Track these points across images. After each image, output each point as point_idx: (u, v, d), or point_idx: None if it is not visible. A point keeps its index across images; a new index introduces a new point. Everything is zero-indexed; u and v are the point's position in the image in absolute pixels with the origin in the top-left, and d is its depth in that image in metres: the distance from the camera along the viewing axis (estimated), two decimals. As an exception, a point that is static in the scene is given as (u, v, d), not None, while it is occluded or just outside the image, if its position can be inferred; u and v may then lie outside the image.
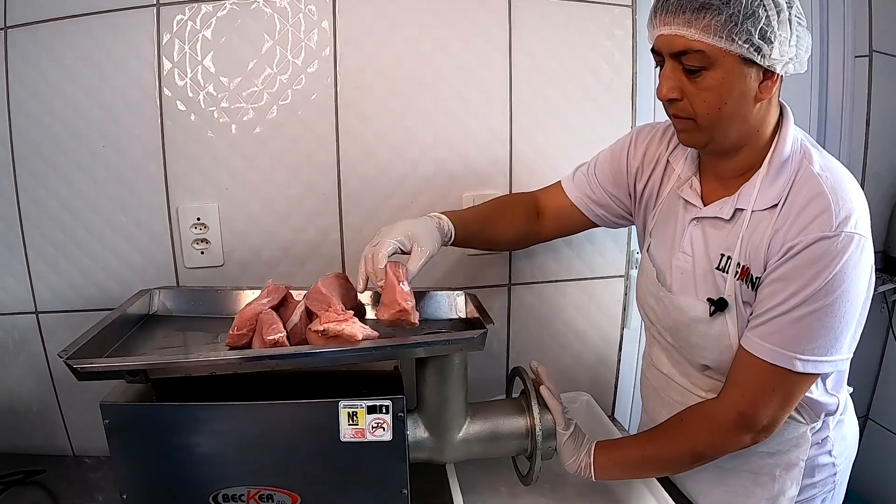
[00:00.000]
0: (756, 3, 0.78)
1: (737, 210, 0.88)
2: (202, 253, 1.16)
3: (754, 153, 0.88)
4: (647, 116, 1.30)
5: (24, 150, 1.08)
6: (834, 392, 0.93)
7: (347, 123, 1.17)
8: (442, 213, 1.02)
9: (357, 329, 0.85)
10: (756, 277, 0.86)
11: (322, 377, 0.94)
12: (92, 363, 0.81)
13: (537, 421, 0.96)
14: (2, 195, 1.09)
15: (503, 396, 1.34)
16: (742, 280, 0.87)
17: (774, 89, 0.83)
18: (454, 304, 1.06)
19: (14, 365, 1.16)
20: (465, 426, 0.97)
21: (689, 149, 0.97)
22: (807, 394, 0.89)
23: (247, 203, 1.16)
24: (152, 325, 1.02)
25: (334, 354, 0.84)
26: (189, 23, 1.09)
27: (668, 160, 1.02)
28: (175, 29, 1.08)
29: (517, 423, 0.98)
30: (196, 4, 1.08)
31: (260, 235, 1.18)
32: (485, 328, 0.89)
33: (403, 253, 0.94)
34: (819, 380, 0.90)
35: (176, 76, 1.10)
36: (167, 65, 1.09)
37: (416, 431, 0.95)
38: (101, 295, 1.14)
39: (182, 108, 1.11)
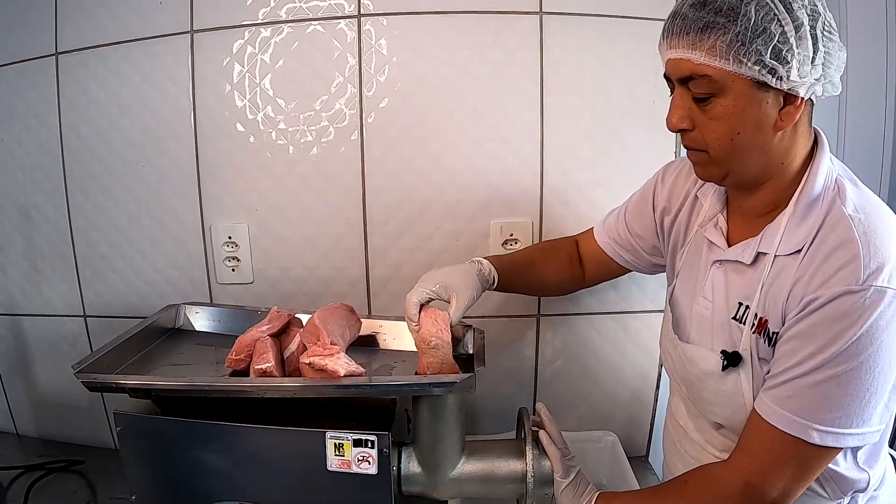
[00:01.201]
0: (768, 18, 0.69)
1: (759, 254, 0.80)
2: (233, 270, 1.21)
3: (781, 188, 0.79)
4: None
5: (76, 169, 1.18)
6: (865, 467, 0.81)
7: (372, 148, 1.17)
8: (484, 257, 1.01)
9: (340, 364, 0.85)
10: (774, 332, 0.77)
11: (316, 403, 0.94)
12: (96, 378, 0.87)
13: (531, 466, 0.91)
14: (56, 210, 1.19)
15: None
16: (759, 334, 0.78)
17: (799, 115, 0.73)
18: (464, 338, 1.03)
19: (66, 361, 1.25)
20: (459, 464, 0.94)
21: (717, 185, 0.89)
22: (831, 466, 0.78)
23: (275, 224, 1.20)
24: (176, 338, 1.08)
25: (309, 388, 0.85)
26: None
27: (696, 195, 0.93)
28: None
29: (514, 466, 0.94)
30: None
31: (288, 256, 1.21)
32: (472, 372, 0.85)
33: (441, 300, 0.93)
34: (847, 451, 0.79)
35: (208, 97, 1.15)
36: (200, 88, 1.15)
37: (410, 465, 0.93)
38: (142, 304, 1.22)
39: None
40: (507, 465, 0.94)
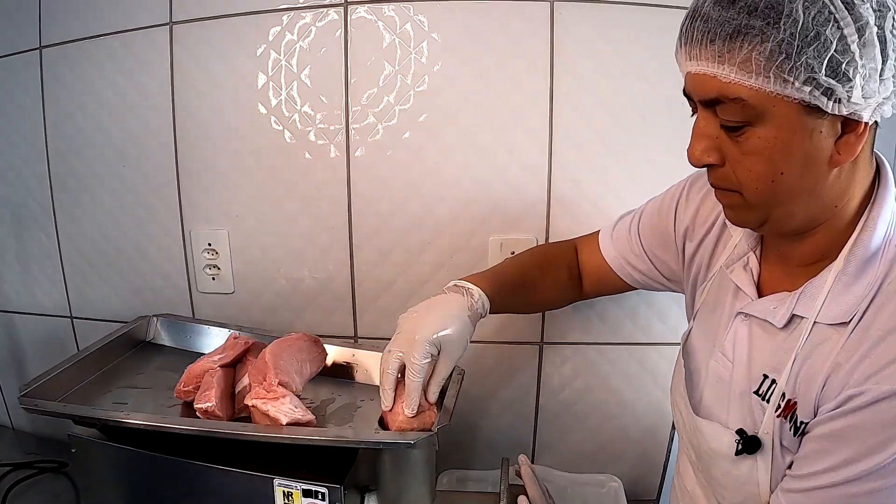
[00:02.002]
0: (822, 19, 0.51)
1: (794, 317, 0.63)
2: (213, 279, 1.15)
3: (832, 236, 0.62)
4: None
5: (61, 169, 1.14)
6: None
7: (359, 154, 1.06)
8: (472, 277, 0.84)
9: (283, 412, 0.76)
10: (802, 422, 0.61)
11: (269, 444, 0.87)
12: (37, 405, 0.82)
13: (497, 531, 0.81)
14: (43, 210, 1.16)
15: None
16: (785, 418, 0.62)
17: (862, 145, 0.56)
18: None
19: (57, 360, 1.25)
20: (427, 519, 0.85)
21: None
22: None
23: (257, 231, 1.12)
24: (143, 354, 1.03)
25: (242, 436, 0.76)
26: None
27: (725, 222, 0.76)
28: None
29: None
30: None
31: (270, 266, 1.13)
32: (431, 431, 0.74)
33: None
34: None
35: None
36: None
37: (371, 518, 0.86)
38: (127, 309, 1.18)
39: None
40: (476, 529, 0.84)
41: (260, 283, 1.14)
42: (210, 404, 0.79)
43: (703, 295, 0.79)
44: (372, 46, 1.02)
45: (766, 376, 0.65)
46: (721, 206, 0.74)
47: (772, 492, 0.64)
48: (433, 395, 0.77)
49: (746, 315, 0.68)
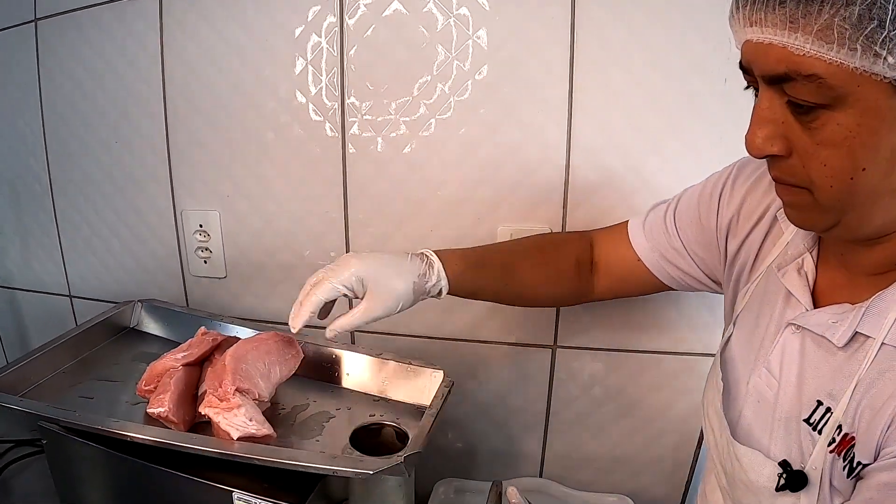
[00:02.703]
0: None
1: (858, 335, 0.51)
2: (205, 262, 1.08)
3: None
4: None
5: (56, 144, 1.09)
6: None
7: (355, 131, 0.96)
8: (447, 251, 0.74)
9: (235, 424, 0.69)
10: (860, 463, 0.50)
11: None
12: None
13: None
14: (40, 186, 1.12)
15: (536, 475, 1.10)
16: (839, 455, 0.51)
17: None
18: (427, 386, 0.83)
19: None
20: (399, 547, 0.77)
21: None
22: None
23: (248, 214, 1.04)
24: (124, 342, 0.98)
25: (176, 446, 0.69)
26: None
27: (776, 216, 0.64)
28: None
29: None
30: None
31: (262, 251, 1.06)
32: (399, 455, 0.65)
33: (356, 297, 0.70)
34: None
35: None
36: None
37: (339, 540, 0.78)
38: (121, 290, 1.14)
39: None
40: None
41: (252, 269, 1.07)
42: (162, 409, 0.73)
43: (745, 298, 0.66)
44: (368, 11, 0.91)
45: (819, 403, 0.53)
46: (774, 199, 0.63)
47: None
48: (333, 329, 0.69)
49: (799, 327, 0.57)
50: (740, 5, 0.47)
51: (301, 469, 0.64)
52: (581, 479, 1.07)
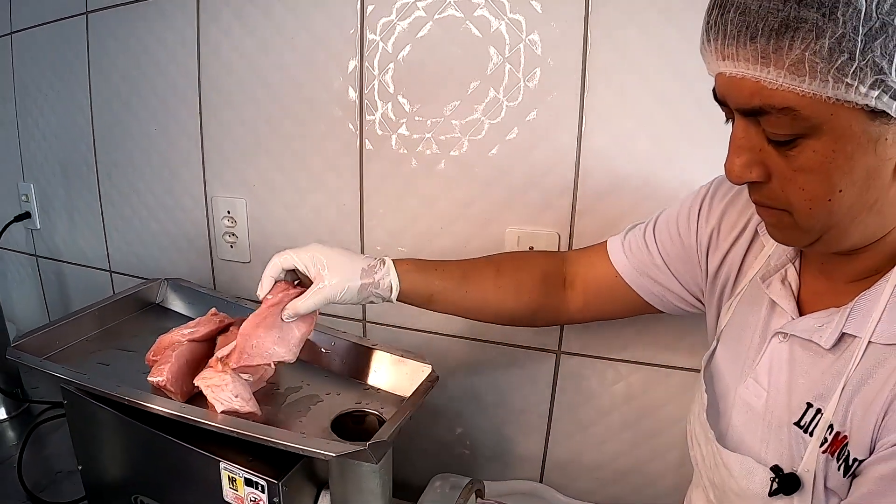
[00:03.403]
0: (887, 7, 0.41)
1: (845, 336, 0.53)
2: (231, 247, 1.14)
3: (890, 248, 0.53)
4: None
5: (101, 131, 1.18)
6: None
7: (373, 127, 0.99)
8: (403, 260, 0.77)
9: (221, 399, 0.72)
10: (856, 459, 0.50)
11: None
12: (20, 358, 0.85)
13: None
14: (88, 168, 1.21)
15: (535, 481, 1.09)
16: (832, 455, 0.52)
17: None
18: (415, 379, 0.83)
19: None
20: (376, 534, 0.78)
21: None
22: None
23: (272, 203, 1.09)
24: (148, 316, 1.04)
25: (156, 410, 0.73)
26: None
27: (756, 230, 0.65)
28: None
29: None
30: None
31: (284, 239, 1.10)
32: (364, 446, 0.66)
33: (305, 277, 0.76)
34: None
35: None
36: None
37: (322, 516, 0.80)
38: (155, 268, 1.22)
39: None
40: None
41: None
42: (160, 378, 0.77)
43: (728, 312, 0.68)
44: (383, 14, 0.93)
45: (809, 405, 0.54)
46: (753, 213, 0.65)
47: None
48: (287, 310, 0.75)
49: (786, 335, 0.58)
50: (711, 38, 0.48)
51: (271, 444, 0.66)
52: (581, 488, 1.05)
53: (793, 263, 0.61)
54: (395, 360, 0.85)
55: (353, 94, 0.98)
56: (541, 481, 1.08)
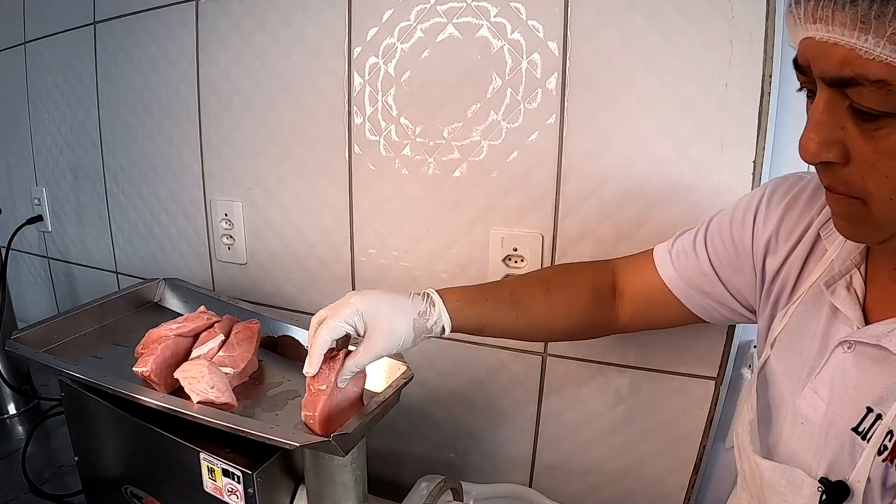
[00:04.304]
0: None
1: None
2: (229, 249, 1.17)
3: None
4: (788, 146, 0.82)
5: (108, 135, 1.23)
6: None
7: (360, 129, 1.01)
8: (449, 288, 0.74)
9: (198, 390, 0.75)
10: None
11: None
12: (17, 350, 0.89)
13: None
14: (96, 172, 1.26)
15: (525, 485, 1.09)
16: (891, 462, 0.49)
17: None
18: (391, 378, 0.84)
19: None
20: (350, 529, 0.79)
21: None
22: None
23: (267, 206, 1.12)
24: (146, 314, 1.07)
25: (128, 396, 0.76)
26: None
27: (818, 233, 0.62)
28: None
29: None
30: None
31: (278, 241, 1.13)
32: (327, 437, 0.67)
33: (358, 336, 0.71)
34: None
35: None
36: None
37: (299, 508, 0.82)
38: (158, 270, 1.25)
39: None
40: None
41: (269, 257, 1.15)
42: (145, 369, 0.80)
43: (785, 319, 0.63)
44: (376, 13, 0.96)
45: (869, 409, 0.51)
46: (815, 216, 0.62)
47: None
48: (340, 375, 0.69)
49: (851, 345, 0.54)
50: (803, 0, 0.44)
51: (241, 433, 0.68)
52: (572, 496, 1.05)
53: (858, 269, 0.56)
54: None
55: (342, 101, 1.01)
56: (530, 485, 1.08)
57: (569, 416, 1.02)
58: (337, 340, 0.69)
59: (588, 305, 0.77)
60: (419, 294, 0.72)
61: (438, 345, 1.06)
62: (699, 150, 0.83)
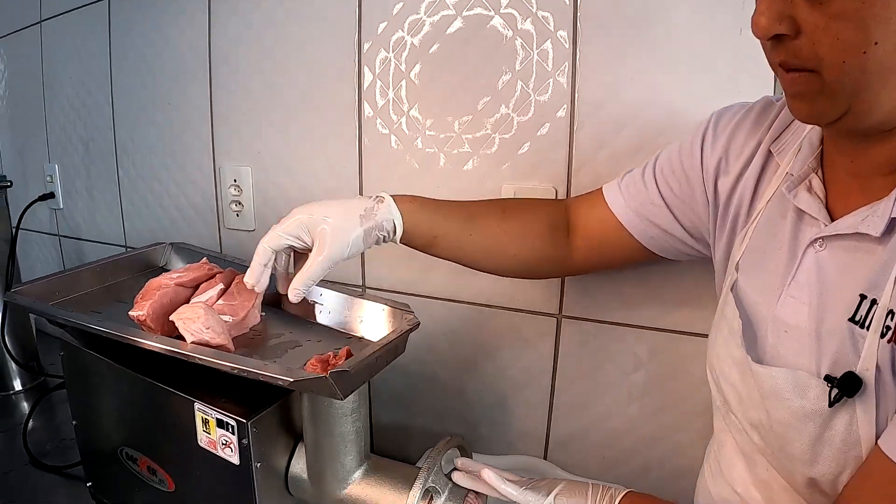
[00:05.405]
0: None
1: (894, 221, 0.49)
2: (237, 215, 1.15)
3: None
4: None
5: (120, 107, 1.23)
6: None
7: (373, 86, 0.99)
8: (403, 196, 0.72)
9: (192, 330, 0.72)
10: None
11: (201, 367, 0.82)
12: (17, 300, 0.87)
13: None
14: (107, 145, 1.26)
15: (541, 457, 1.03)
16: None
17: None
18: (397, 325, 0.80)
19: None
20: (351, 483, 0.74)
21: (804, 135, 0.59)
22: None
23: (275, 170, 1.10)
24: (153, 276, 1.05)
25: (118, 337, 0.73)
26: None
27: (769, 150, 0.63)
28: None
29: (397, 499, 0.71)
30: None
31: (286, 206, 1.09)
32: (324, 375, 0.62)
33: (308, 250, 0.69)
34: None
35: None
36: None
37: (298, 466, 0.77)
38: (168, 240, 1.23)
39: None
40: (390, 497, 0.71)
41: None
42: (141, 313, 0.77)
43: (744, 240, 0.64)
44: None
45: (863, 297, 0.50)
46: (764, 135, 0.63)
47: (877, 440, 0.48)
48: (294, 288, 0.68)
49: (823, 242, 0.55)
50: None
51: (233, 371, 0.65)
52: (588, 469, 0.99)
53: (816, 173, 0.57)
54: (380, 310, 0.83)
55: (352, 64, 0.99)
56: (545, 458, 1.02)
57: (583, 385, 0.97)
58: (279, 253, 0.71)
59: (542, 236, 0.77)
60: (369, 196, 0.71)
61: (448, 308, 1.02)
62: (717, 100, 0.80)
